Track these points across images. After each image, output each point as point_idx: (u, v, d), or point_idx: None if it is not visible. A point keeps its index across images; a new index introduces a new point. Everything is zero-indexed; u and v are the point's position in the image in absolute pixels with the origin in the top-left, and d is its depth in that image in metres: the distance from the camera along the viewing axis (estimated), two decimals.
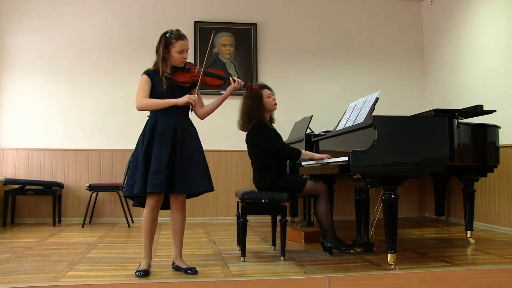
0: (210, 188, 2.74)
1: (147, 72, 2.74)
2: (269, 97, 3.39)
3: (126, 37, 5.54)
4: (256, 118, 3.36)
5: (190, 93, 2.76)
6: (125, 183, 2.77)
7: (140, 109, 2.69)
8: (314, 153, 3.37)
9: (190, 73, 2.79)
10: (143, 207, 2.76)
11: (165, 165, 2.61)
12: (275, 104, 3.44)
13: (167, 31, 2.74)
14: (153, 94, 2.71)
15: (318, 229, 3.63)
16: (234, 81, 2.86)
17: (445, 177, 5.21)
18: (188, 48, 2.78)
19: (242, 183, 5.55)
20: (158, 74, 2.73)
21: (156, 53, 2.76)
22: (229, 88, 2.85)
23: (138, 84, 2.72)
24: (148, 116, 2.77)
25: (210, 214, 5.49)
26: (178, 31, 2.75)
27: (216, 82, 2.87)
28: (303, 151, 3.34)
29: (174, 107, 2.70)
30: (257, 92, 3.30)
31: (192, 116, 2.86)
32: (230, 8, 5.76)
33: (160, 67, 2.72)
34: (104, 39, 5.53)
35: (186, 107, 2.79)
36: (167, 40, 2.72)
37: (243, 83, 2.92)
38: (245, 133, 3.46)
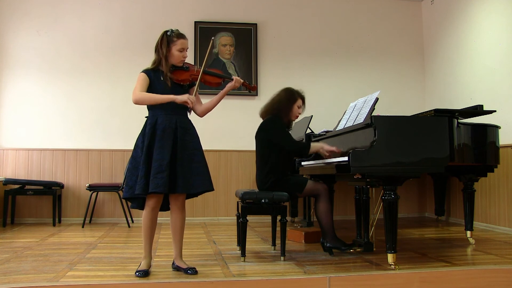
0: (211, 188, 2.75)
1: (145, 71, 2.74)
2: (299, 107, 3.45)
3: (127, 37, 5.54)
4: (278, 113, 3.40)
5: (189, 93, 2.77)
6: (124, 184, 2.76)
7: (137, 102, 2.66)
8: (323, 144, 3.35)
9: (189, 72, 2.80)
10: (142, 209, 2.74)
11: (166, 165, 2.61)
12: (297, 116, 3.50)
13: (168, 30, 2.75)
14: (153, 92, 2.70)
15: (318, 229, 3.63)
16: (233, 79, 2.87)
17: (445, 177, 5.21)
18: (188, 48, 2.79)
19: (242, 183, 5.55)
20: (158, 73, 2.73)
21: (155, 52, 2.76)
22: (228, 86, 2.87)
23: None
24: (146, 117, 2.77)
25: (210, 214, 5.49)
26: (178, 30, 2.77)
27: (215, 80, 2.90)
28: (312, 143, 3.35)
29: (174, 107, 2.70)
30: (292, 94, 3.41)
31: (190, 114, 2.86)
32: (230, 8, 5.76)
33: (163, 65, 2.72)
34: (104, 39, 5.53)
35: (185, 107, 2.77)
36: (169, 38, 2.72)
37: (242, 81, 2.93)
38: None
